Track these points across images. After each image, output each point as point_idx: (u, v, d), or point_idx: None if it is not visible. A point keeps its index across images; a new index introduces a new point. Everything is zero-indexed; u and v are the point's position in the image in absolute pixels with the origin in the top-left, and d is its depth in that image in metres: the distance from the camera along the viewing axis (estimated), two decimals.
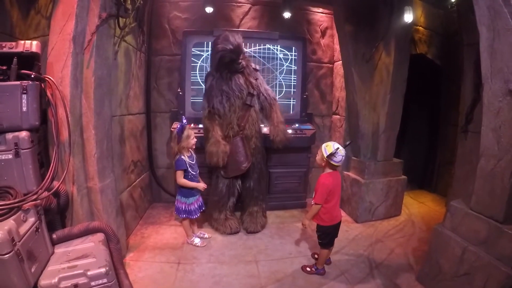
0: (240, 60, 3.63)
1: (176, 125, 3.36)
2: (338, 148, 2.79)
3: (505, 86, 2.14)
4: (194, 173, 3.43)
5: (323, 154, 2.84)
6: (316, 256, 3.27)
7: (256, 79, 3.80)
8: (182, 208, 3.45)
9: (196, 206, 3.50)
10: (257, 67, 3.93)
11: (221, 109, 3.65)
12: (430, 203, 5.18)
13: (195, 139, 3.42)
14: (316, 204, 2.86)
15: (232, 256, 3.35)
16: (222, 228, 3.85)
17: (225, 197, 3.89)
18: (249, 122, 3.73)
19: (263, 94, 3.82)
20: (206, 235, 3.74)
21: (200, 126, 3.97)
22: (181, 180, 3.34)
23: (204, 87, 3.89)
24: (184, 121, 3.32)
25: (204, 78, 4.02)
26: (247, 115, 3.72)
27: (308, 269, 3.10)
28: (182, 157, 3.32)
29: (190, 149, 3.42)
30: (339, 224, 3.03)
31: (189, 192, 3.44)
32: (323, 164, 2.91)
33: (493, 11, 2.09)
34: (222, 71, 3.63)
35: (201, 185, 3.45)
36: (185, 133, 3.30)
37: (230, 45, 3.45)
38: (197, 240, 3.56)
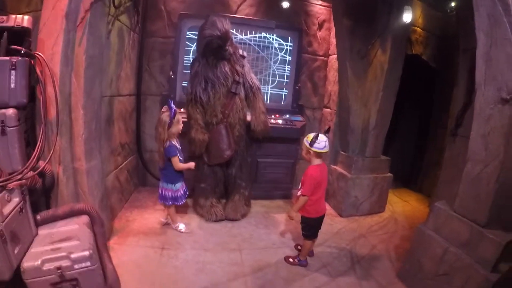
0: (227, 47, 3.57)
1: (166, 109, 3.30)
2: (317, 134, 2.83)
3: (497, 94, 2.17)
4: (181, 158, 3.39)
5: (306, 146, 2.88)
6: (299, 247, 3.31)
7: (242, 67, 3.75)
8: (168, 195, 3.40)
9: (182, 192, 3.47)
10: (245, 54, 3.86)
11: (204, 98, 3.61)
12: (414, 202, 5.28)
13: (182, 124, 3.39)
14: (303, 195, 2.88)
15: (216, 244, 3.36)
16: (207, 215, 3.85)
17: (211, 184, 3.89)
18: (233, 110, 3.70)
19: (248, 82, 3.78)
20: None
21: None
22: (179, 165, 3.30)
23: (189, 72, 3.83)
24: (173, 105, 3.24)
25: (190, 63, 3.94)
26: (232, 102, 3.69)
27: (291, 260, 3.14)
28: (174, 142, 3.28)
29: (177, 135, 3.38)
30: (323, 216, 3.07)
31: (176, 177, 3.40)
32: (309, 156, 2.93)
33: (493, 19, 2.10)
34: (208, 57, 3.57)
35: (192, 164, 3.45)
36: (176, 117, 3.26)
37: (218, 31, 3.37)
38: (181, 226, 3.55)
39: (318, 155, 2.88)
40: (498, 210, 2.25)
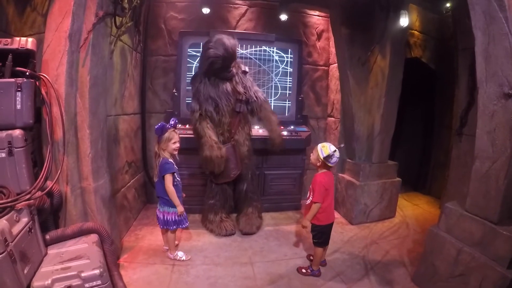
0: (231, 68, 3.53)
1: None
2: (335, 150, 2.85)
3: (499, 90, 2.17)
4: (179, 179, 3.18)
5: (319, 155, 2.88)
6: (311, 257, 3.26)
7: (244, 86, 3.66)
8: (171, 219, 3.13)
9: (184, 213, 3.19)
10: (247, 69, 3.81)
11: (213, 114, 3.58)
12: (424, 205, 5.22)
13: (177, 145, 3.08)
14: (315, 203, 2.87)
15: (227, 258, 3.33)
16: (217, 229, 3.81)
17: (221, 200, 3.88)
18: (239, 128, 3.72)
19: (253, 98, 3.71)
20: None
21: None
22: (171, 187, 3.01)
23: (191, 88, 3.77)
24: (172, 122, 3.08)
25: (191, 79, 3.87)
26: (237, 121, 3.70)
27: (303, 270, 3.09)
28: (170, 159, 3.06)
29: (171, 154, 3.10)
30: (333, 223, 3.07)
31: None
32: (318, 164, 2.94)
33: (488, 16, 2.12)
34: (210, 77, 3.53)
35: (181, 209, 3.09)
36: (166, 135, 3.01)
37: (224, 51, 3.32)
38: (180, 254, 3.27)
39: (327, 166, 2.92)
40: (509, 206, 2.22)
